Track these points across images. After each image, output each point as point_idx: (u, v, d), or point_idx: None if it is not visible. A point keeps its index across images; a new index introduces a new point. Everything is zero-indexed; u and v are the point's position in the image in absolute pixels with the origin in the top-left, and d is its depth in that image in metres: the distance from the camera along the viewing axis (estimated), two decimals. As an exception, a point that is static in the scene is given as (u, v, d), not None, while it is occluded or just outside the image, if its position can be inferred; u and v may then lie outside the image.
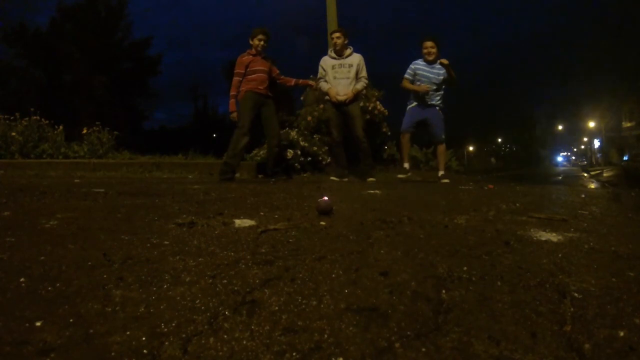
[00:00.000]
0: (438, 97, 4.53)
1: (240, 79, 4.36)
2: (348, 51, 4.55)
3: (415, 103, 4.56)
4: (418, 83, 4.50)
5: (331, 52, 4.63)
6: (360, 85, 4.53)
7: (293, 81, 4.68)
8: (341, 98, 4.47)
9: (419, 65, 4.51)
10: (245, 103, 4.28)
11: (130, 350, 0.56)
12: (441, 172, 4.64)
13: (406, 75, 4.57)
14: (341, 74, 4.53)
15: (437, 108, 4.54)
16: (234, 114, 4.33)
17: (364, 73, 4.55)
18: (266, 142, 4.68)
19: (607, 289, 0.82)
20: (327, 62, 4.61)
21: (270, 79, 4.47)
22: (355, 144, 4.57)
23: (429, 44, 4.44)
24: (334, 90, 4.50)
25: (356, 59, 4.54)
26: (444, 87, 4.55)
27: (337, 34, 4.51)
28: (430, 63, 4.47)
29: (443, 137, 4.59)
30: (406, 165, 4.70)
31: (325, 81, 4.62)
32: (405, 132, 4.61)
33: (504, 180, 7.07)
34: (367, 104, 6.49)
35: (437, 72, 4.45)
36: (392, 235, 1.29)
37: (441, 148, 4.65)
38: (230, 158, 4.25)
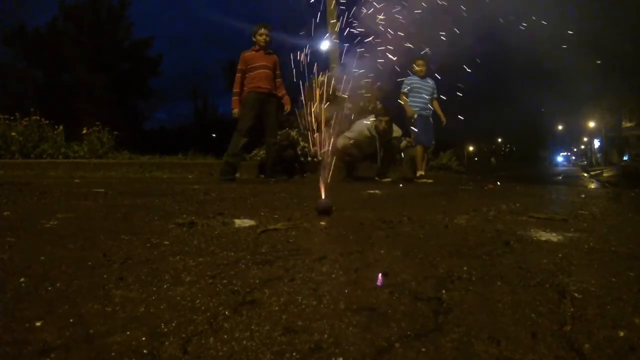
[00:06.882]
0: (431, 109, 5.25)
1: (242, 75, 4.34)
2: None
3: (417, 115, 5.19)
4: (415, 96, 5.17)
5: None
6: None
7: (281, 94, 4.50)
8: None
9: (413, 80, 5.19)
10: (246, 104, 4.27)
11: (130, 350, 0.56)
12: (420, 173, 5.20)
13: (404, 90, 5.14)
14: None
15: (430, 118, 5.24)
16: (236, 111, 4.33)
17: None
18: (265, 140, 4.61)
19: (607, 289, 0.82)
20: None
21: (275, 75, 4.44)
22: (387, 148, 4.98)
23: (420, 62, 5.16)
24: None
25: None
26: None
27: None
28: (422, 78, 5.19)
29: (433, 142, 5.35)
30: (422, 172, 5.19)
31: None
32: (429, 144, 5.23)
33: (504, 180, 7.07)
34: (368, 104, 6.51)
35: (429, 85, 5.22)
36: (392, 235, 1.29)
37: (427, 151, 5.44)
38: (231, 157, 4.25)
